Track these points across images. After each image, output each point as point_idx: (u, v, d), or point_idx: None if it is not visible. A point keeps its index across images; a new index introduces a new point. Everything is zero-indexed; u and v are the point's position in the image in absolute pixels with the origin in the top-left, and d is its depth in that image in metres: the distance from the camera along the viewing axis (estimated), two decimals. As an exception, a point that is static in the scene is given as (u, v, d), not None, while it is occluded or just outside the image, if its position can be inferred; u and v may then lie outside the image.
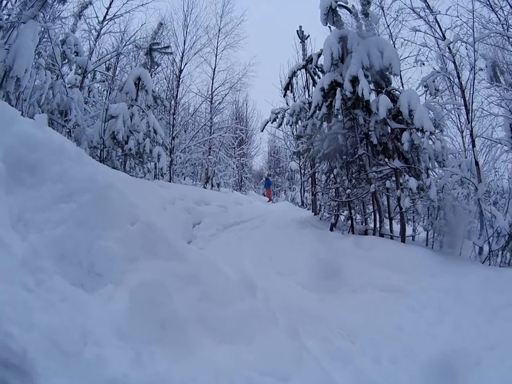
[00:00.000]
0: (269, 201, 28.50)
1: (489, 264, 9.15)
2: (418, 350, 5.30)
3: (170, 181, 18.96)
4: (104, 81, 17.87)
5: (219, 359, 3.48)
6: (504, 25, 11.36)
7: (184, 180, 24.06)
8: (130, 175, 13.21)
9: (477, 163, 9.94)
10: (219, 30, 24.24)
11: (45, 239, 3.57)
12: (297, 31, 17.47)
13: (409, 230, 11.30)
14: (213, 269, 4.68)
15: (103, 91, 18.94)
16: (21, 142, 4.05)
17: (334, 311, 6.81)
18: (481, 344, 5.00)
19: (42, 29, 11.79)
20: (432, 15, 11.17)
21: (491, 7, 11.48)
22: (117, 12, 17.33)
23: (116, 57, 16.96)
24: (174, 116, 21.18)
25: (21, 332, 2.59)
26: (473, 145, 10.37)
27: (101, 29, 17.01)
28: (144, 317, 3.43)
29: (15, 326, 2.60)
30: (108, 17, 17.04)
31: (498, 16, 11.50)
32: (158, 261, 4.11)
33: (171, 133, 20.54)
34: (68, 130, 12.97)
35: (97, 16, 16.88)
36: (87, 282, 3.69)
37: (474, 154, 10.10)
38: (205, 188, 22.27)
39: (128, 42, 17.17)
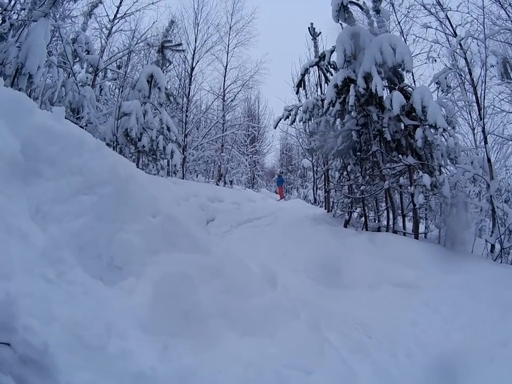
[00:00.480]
0: (280, 199, 27.61)
1: (501, 262, 9.12)
2: (432, 345, 5.28)
3: (183, 178, 18.99)
4: (115, 79, 17.90)
5: (243, 351, 3.49)
6: (513, 21, 11.35)
7: (197, 177, 24.10)
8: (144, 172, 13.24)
9: (489, 160, 9.90)
10: (230, 27, 24.47)
11: (63, 231, 3.56)
12: (309, 28, 17.42)
13: (421, 228, 11.29)
14: (235, 262, 4.71)
15: (115, 89, 19.01)
16: (39, 134, 4.06)
17: (350, 306, 6.80)
18: (495, 340, 4.98)
19: (53, 27, 11.83)
20: (443, 11, 11.12)
21: (500, 4, 11.44)
22: (127, 10, 17.45)
23: (127, 55, 16.96)
24: (186, 114, 21.16)
25: (42, 325, 2.56)
26: (486, 142, 10.34)
27: (112, 27, 17.04)
28: (168, 309, 3.44)
29: (35, 319, 2.57)
30: (118, 15, 17.14)
31: (508, 12, 11.47)
32: (180, 253, 4.14)
33: (184, 130, 20.56)
34: (80, 127, 12.92)
35: (107, 15, 16.94)
36: (106, 275, 3.70)
37: (486, 151, 10.06)
38: (218, 185, 22.31)
39: (139, 41, 17.16)
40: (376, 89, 9.89)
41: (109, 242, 3.83)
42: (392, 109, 9.85)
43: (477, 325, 5.72)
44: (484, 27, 9.57)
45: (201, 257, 4.21)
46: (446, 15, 11.21)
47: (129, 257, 3.87)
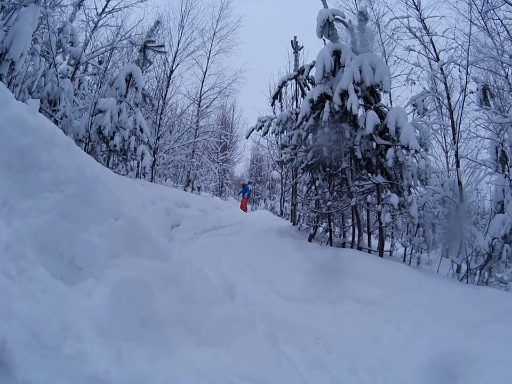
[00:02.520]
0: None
1: (467, 282, 9.25)
2: (394, 362, 5.32)
3: (152, 181, 18.83)
4: (95, 75, 17.75)
5: (199, 361, 3.46)
6: (499, 50, 11.57)
7: (166, 181, 23.96)
8: (113, 172, 13.11)
9: (460, 183, 10.09)
10: (214, 33, 24.37)
11: (27, 226, 3.50)
12: (292, 41, 17.56)
13: (387, 246, 11.38)
14: (194, 271, 4.66)
15: (93, 84, 18.81)
16: (13, 125, 3.98)
17: (310, 321, 6.80)
18: (460, 359, 5.03)
19: (42, 14, 11.70)
20: (428, 36, 11.29)
21: (488, 32, 11.69)
22: (116, 5, 17.36)
23: (109, 51, 16.84)
24: (161, 116, 21.08)
25: (1, 320, 2.52)
26: (458, 166, 10.52)
27: (99, 21, 17.00)
28: (125, 313, 3.40)
29: None
30: (106, 9, 17.06)
31: (495, 41, 11.71)
32: (140, 258, 4.09)
33: (156, 132, 20.41)
34: (55, 120, 12.77)
35: (96, 8, 16.86)
36: (66, 275, 3.64)
37: (458, 174, 10.25)
38: (186, 190, 22.20)
39: (123, 37, 17.12)
40: (351, 107, 9.96)
41: (71, 241, 3.77)
42: (366, 127, 9.94)
43: (441, 343, 5.77)
44: (467, 54, 9.72)
45: (160, 263, 4.18)
46: (431, 40, 11.39)
47: (90, 258, 3.82)
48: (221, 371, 3.44)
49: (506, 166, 9.89)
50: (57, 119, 12.77)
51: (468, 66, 9.79)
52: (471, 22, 10.49)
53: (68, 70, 15.05)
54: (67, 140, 4.46)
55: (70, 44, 14.22)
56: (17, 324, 2.58)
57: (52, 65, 13.25)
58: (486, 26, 11.74)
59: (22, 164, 3.84)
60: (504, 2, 10.23)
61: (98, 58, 17.83)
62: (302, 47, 17.76)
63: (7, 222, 3.43)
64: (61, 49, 13.98)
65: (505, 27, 11.20)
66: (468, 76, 9.96)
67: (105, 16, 17.25)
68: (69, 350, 2.72)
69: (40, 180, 3.87)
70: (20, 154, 3.85)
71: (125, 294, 3.50)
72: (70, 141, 4.50)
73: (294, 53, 17.82)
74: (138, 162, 15.75)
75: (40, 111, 5.04)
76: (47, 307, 2.88)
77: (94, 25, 16.89)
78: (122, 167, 15.30)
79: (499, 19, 11.20)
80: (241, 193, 28.20)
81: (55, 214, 3.76)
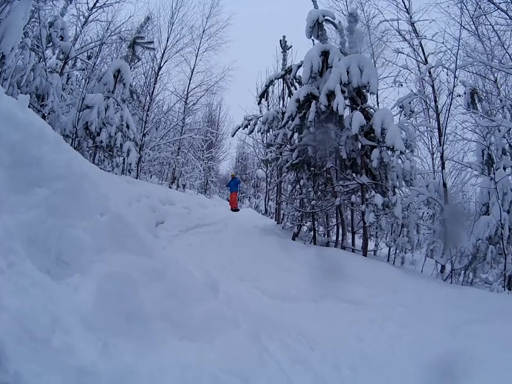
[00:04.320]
0: (233, 209, 23.57)
1: (451, 282, 9.35)
2: (377, 360, 5.35)
3: (137, 178, 18.81)
4: (84, 70, 17.67)
5: (182, 355, 3.52)
6: (489, 55, 11.69)
7: (151, 178, 23.94)
8: (99, 168, 13.08)
9: (445, 185, 10.22)
10: (203, 31, 24.43)
11: (16, 222, 3.50)
12: (280, 40, 17.65)
13: (371, 245, 11.46)
14: (179, 267, 4.72)
15: (82, 79, 18.74)
16: (3, 120, 3.96)
17: (294, 318, 6.81)
18: (444, 358, 5.06)
19: (33, 8, 11.68)
20: (418, 39, 11.38)
21: (479, 37, 11.83)
22: (107, 0, 17.30)
23: (99, 46, 16.76)
24: (148, 113, 21.10)
25: None
26: (443, 168, 10.64)
27: (89, 16, 16.97)
28: (110, 308, 3.43)
29: None
30: (98, 4, 17.02)
31: (485, 46, 11.84)
32: (125, 253, 4.14)
33: (142, 129, 20.45)
34: (42, 115, 12.74)
35: (87, 2, 16.80)
36: (53, 270, 3.66)
37: (443, 176, 10.37)
38: (171, 187, 22.18)
39: (113, 33, 17.03)
40: (337, 107, 10.03)
41: (58, 237, 3.79)
42: (351, 128, 10.01)
43: (423, 342, 5.81)
44: (456, 58, 9.82)
45: (146, 259, 4.23)
46: (420, 43, 11.49)
47: (76, 253, 3.85)
48: (204, 365, 3.50)
49: (492, 168, 10.00)
50: (45, 114, 12.72)
51: (456, 70, 9.91)
52: (461, 26, 10.63)
53: (56, 64, 15.02)
54: (56, 136, 4.46)
55: (60, 38, 14.19)
56: (8, 317, 2.61)
57: (42, 59, 13.22)
58: (477, 31, 11.90)
59: (11, 159, 3.83)
60: (496, 8, 10.34)
61: (88, 53, 17.71)
62: (291, 46, 17.87)
63: (-4, 216, 3.43)
64: (51, 44, 13.94)
65: (496, 32, 11.37)
66: (455, 79, 10.10)
67: (96, 11, 17.25)
68: (58, 343, 2.76)
69: (29, 176, 3.88)
70: (10, 150, 3.84)
71: (110, 289, 3.53)
72: (59, 137, 4.51)
73: (282, 52, 17.92)
74: (124, 159, 15.75)
75: (28, 106, 5.04)
76: (37, 301, 2.91)
77: (84, 20, 16.86)
78: (108, 164, 15.26)
79: (490, 24, 11.37)
80: (229, 187, 25.81)
81: (43, 209, 3.78)
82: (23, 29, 10.21)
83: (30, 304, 2.82)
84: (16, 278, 2.96)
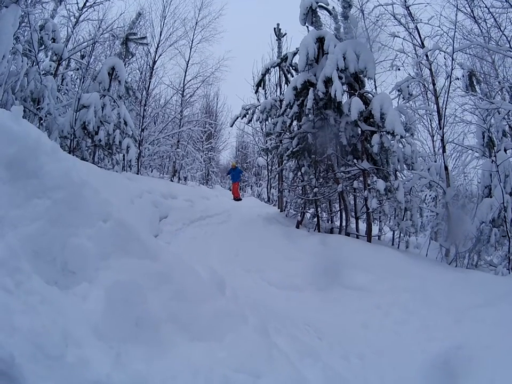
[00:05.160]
0: (236, 198, 23.77)
1: (456, 266, 9.35)
2: (384, 347, 5.38)
3: (138, 173, 18.84)
4: (78, 69, 17.64)
5: (193, 356, 3.53)
6: (485, 38, 11.62)
7: (152, 172, 23.96)
8: (99, 167, 13.10)
9: (446, 168, 10.18)
10: (196, 22, 24.25)
11: (19, 236, 3.50)
12: (275, 28, 17.61)
13: (375, 230, 11.47)
14: (184, 268, 4.72)
15: (76, 79, 18.73)
16: (-2, 136, 3.96)
17: (300, 308, 6.88)
18: (449, 343, 5.07)
19: (23, 13, 11.63)
20: (414, 23, 11.30)
21: (474, 19, 11.75)
22: (97, -2, 17.12)
23: (91, 45, 16.69)
24: (145, 107, 21.04)
25: (6, 337, 2.55)
26: (444, 151, 10.61)
27: (80, 16, 16.82)
28: (120, 315, 3.46)
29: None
30: (88, 3, 16.85)
31: (481, 28, 11.76)
32: (130, 258, 4.13)
33: (141, 124, 20.44)
34: (39, 118, 12.81)
35: (77, 3, 16.64)
36: (61, 280, 3.67)
37: (444, 160, 10.35)
38: (172, 181, 22.22)
39: (105, 31, 17.04)
40: (335, 94, 10.00)
41: (63, 246, 3.79)
42: (350, 114, 9.98)
43: (430, 328, 5.81)
44: (453, 41, 9.78)
45: (150, 263, 4.23)
46: (416, 27, 11.39)
47: (82, 261, 3.85)
48: (215, 365, 3.51)
49: (493, 151, 9.97)
50: (41, 117, 12.72)
51: (453, 53, 9.83)
52: (457, 8, 10.55)
53: (50, 66, 14.97)
54: (53, 145, 4.42)
55: (52, 40, 14.08)
56: (21, 338, 2.62)
57: (35, 63, 13.17)
58: (473, 14, 11.81)
59: (9, 174, 3.81)
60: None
61: (81, 52, 17.64)
62: (285, 34, 17.81)
63: (0, 235, 3.42)
64: (43, 46, 13.86)
65: (492, 14, 11.29)
66: (453, 62, 10.01)
67: (86, 11, 17.10)
68: (72, 358, 2.78)
69: (27, 188, 3.85)
70: (7, 165, 3.82)
71: (118, 296, 3.56)
72: (56, 147, 4.47)
73: (277, 40, 17.86)
74: (123, 156, 15.73)
75: (24, 110, 5.01)
76: (47, 318, 2.92)
77: (75, 20, 16.73)
78: (108, 162, 15.25)
79: (486, 7, 11.28)
80: (230, 176, 25.94)
81: (45, 220, 3.77)
82: (14, 35, 10.19)
83: (41, 322, 2.84)
84: (25, 296, 2.97)
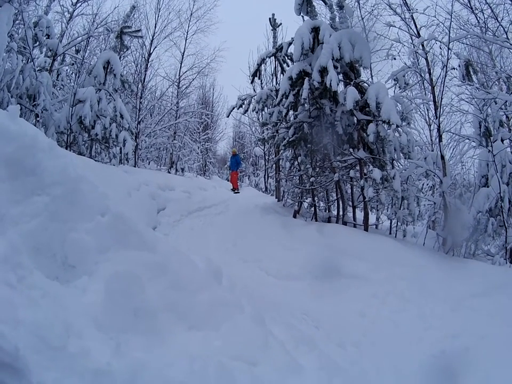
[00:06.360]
0: (234, 190, 23.53)
1: (453, 255, 9.39)
2: (381, 336, 5.44)
3: (135, 166, 18.90)
4: (73, 64, 17.64)
5: (190, 345, 3.60)
6: (482, 28, 11.61)
7: (149, 164, 23.94)
8: (96, 161, 13.15)
9: (442, 157, 10.18)
10: (191, 14, 24.31)
11: (20, 232, 3.60)
12: (270, 18, 17.60)
13: (372, 219, 11.51)
14: (181, 258, 4.76)
15: (72, 74, 18.72)
16: (-4, 136, 4.02)
17: (297, 297, 6.92)
18: (445, 332, 5.14)
19: (16, 11, 11.65)
20: (409, 12, 11.25)
21: (471, 9, 11.73)
22: (91, -8, 17.05)
23: (86, 40, 16.66)
24: (141, 100, 21.04)
25: (10, 330, 2.62)
26: (440, 140, 10.62)
27: (74, 11, 16.87)
28: (119, 306, 3.53)
29: (4, 324, 2.63)
30: (81, -1, 16.77)
31: (478, 18, 11.75)
32: (128, 251, 4.19)
33: (137, 117, 20.42)
34: (35, 114, 12.84)
35: (71, -3, 16.56)
36: (61, 274, 3.77)
37: (440, 149, 10.34)
38: (169, 172, 22.25)
39: (99, 25, 16.99)
40: (331, 83, 10.01)
41: (62, 242, 3.89)
42: (346, 103, 9.98)
43: (426, 317, 5.86)
44: (449, 31, 9.72)
45: (148, 254, 4.29)
46: (412, 16, 11.33)
47: (81, 256, 3.94)
48: (211, 353, 3.57)
49: (489, 141, 9.99)
50: (38, 113, 12.74)
51: (449, 43, 9.80)
52: None
53: (45, 62, 14.99)
54: (49, 142, 4.48)
55: (46, 36, 14.14)
56: (24, 330, 2.70)
57: (30, 60, 13.19)
58: (470, 4, 11.80)
59: (7, 172, 3.88)
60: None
61: (76, 47, 17.62)
62: (280, 24, 17.81)
63: (2, 231, 3.51)
64: (38, 43, 13.91)
65: (489, 5, 11.27)
66: (449, 52, 10.00)
67: (80, 6, 17.14)
68: (73, 348, 2.86)
69: (26, 185, 3.93)
70: (5, 163, 3.89)
71: (117, 288, 3.62)
72: (53, 143, 4.53)
73: (272, 30, 17.87)
74: (120, 149, 15.75)
75: (20, 108, 5.07)
76: (49, 311, 3.01)
77: (69, 15, 16.80)
78: (105, 155, 15.32)
79: (483, -4, 11.25)
80: (229, 165, 25.89)
81: (44, 216, 3.86)
82: (8, 33, 10.22)
83: (43, 315, 2.91)
84: (28, 291, 3.05)
